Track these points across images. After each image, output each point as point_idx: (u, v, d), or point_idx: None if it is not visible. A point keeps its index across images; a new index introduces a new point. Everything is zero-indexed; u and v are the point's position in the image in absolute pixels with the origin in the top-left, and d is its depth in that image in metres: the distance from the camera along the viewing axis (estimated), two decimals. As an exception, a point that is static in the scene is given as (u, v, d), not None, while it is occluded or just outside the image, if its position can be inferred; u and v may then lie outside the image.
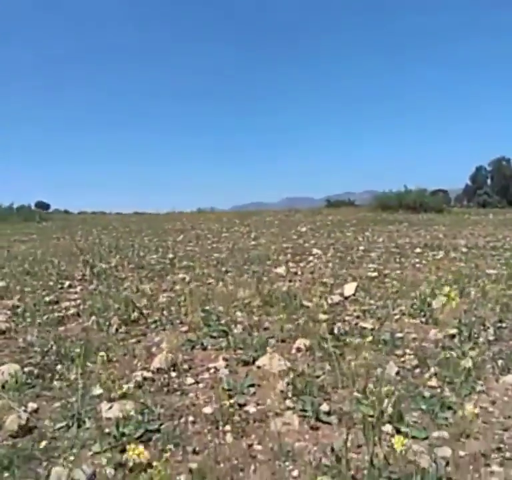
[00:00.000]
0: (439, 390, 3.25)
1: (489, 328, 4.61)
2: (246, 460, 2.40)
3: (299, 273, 7.10)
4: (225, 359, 3.57)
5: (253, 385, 3.15)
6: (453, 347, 4.09)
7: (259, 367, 3.50)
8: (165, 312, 4.81)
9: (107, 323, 4.41)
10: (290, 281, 6.50)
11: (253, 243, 9.85)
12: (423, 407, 3.03)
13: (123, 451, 2.41)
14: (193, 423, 2.73)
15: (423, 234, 12.56)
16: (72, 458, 2.29)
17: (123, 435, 2.56)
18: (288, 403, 2.94)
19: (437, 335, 4.48)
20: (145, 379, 3.27)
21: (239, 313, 4.81)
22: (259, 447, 2.51)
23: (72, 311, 4.89)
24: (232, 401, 2.86)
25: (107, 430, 2.59)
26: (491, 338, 4.32)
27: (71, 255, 8.00)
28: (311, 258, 8.29)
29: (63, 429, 2.64)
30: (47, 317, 4.53)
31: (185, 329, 4.33)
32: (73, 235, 10.09)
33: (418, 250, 9.68)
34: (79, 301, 5.29)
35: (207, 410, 2.83)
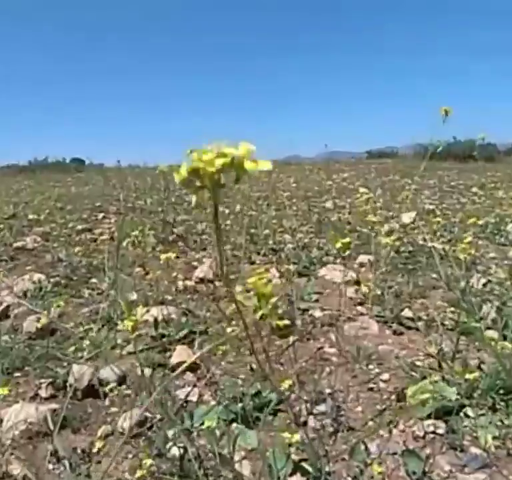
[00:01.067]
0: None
1: None
2: (316, 362, 1.88)
3: (348, 206, 6.45)
4: (279, 270, 3.04)
5: (315, 293, 2.62)
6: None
7: (319, 278, 2.96)
8: (205, 236, 4.32)
9: (143, 243, 3.95)
10: (339, 213, 5.88)
11: (293, 185, 9.19)
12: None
13: (163, 351, 1.94)
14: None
15: (476, 178, 11.55)
16: (99, 357, 1.85)
17: (163, 336, 2.08)
18: (360, 309, 2.40)
19: (519, 255, 3.83)
20: (186, 288, 2.79)
21: (287, 236, 4.26)
22: (331, 350, 1.98)
23: (105, 236, 4.46)
24: (292, 306, 2.34)
25: (143, 331, 2.12)
26: None
27: (106, 195, 7.61)
28: (358, 195, 7.60)
29: (91, 331, 2.19)
30: (79, 239, 4.12)
31: (228, 247, 3.82)
32: (108, 181, 9.70)
33: (474, 189, 8.81)
34: (113, 229, 4.86)
35: (260, 315, 2.31)
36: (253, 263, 3.33)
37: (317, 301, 2.52)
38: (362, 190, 8.93)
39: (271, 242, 3.88)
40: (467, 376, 1.51)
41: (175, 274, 3.15)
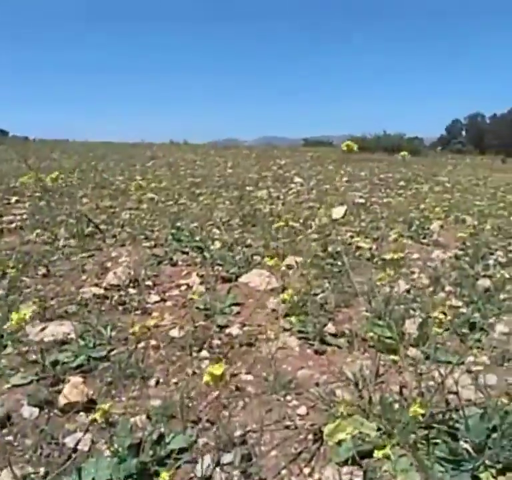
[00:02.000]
0: (462, 310, 2.61)
1: (496, 250, 4.00)
2: (231, 394, 1.68)
3: (281, 197, 6.29)
4: (200, 275, 2.79)
5: (236, 304, 2.40)
6: (463, 267, 3.46)
7: (243, 285, 2.75)
8: (126, 228, 3.95)
9: (54, 236, 3.53)
10: (272, 204, 5.69)
11: (229, 171, 8.89)
12: (449, 326, 2.37)
13: (54, 384, 1.65)
14: (156, 348, 1.97)
15: (403, 171, 11.88)
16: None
17: (56, 363, 1.77)
18: (283, 323, 2.21)
19: (441, 256, 3.85)
20: (95, 295, 2.47)
21: (216, 230, 4.00)
22: (248, 377, 1.78)
23: (14, 224, 3.97)
24: (210, 321, 2.12)
25: (33, 356, 1.80)
26: (503, 260, 3.71)
27: (23, 174, 6.89)
28: (292, 185, 7.48)
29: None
30: (-20, 229, 3.61)
31: (150, 244, 3.50)
32: (27, 157, 8.86)
33: (402, 183, 9.02)
34: (25, 216, 4.35)
35: (176, 333, 2.07)
36: (174, 264, 3.05)
37: (238, 313, 2.31)
38: (297, 179, 8.82)
39: (197, 238, 3.61)
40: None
41: (84, 277, 2.81)
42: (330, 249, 3.64)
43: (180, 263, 3.06)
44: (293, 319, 2.21)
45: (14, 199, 5.13)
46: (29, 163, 7.42)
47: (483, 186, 9.95)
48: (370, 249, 3.82)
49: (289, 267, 3.20)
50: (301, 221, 4.73)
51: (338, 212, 5.25)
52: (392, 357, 1.80)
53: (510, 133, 38.68)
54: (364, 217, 5.34)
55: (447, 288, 3.00)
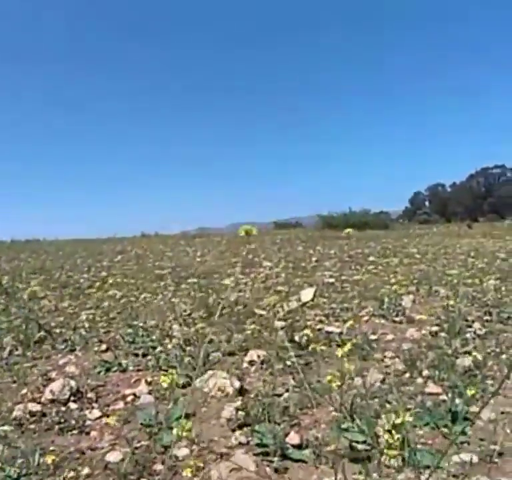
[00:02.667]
0: (442, 397, 2.37)
1: (473, 322, 3.83)
2: None
3: (250, 283, 6.13)
4: (149, 383, 2.50)
5: (186, 416, 2.10)
6: (439, 345, 3.26)
7: (197, 390, 2.46)
8: (81, 330, 3.67)
9: (1, 345, 3.23)
10: (240, 291, 5.51)
11: (198, 259, 8.79)
12: (429, 420, 2.11)
13: None
14: (88, 476, 1.65)
15: (373, 245, 12.02)
16: None
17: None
18: (238, 436, 1.93)
19: (416, 335, 3.65)
20: (31, 413, 2.15)
21: (175, 326, 3.75)
22: (193, 515, 1.47)
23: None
24: (154, 440, 1.83)
25: None
26: (481, 332, 3.53)
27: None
28: (261, 269, 7.36)
29: None
30: None
31: (102, 348, 3.22)
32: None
33: (371, 258, 9.04)
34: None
35: (113, 457, 1.76)
36: (124, 370, 2.76)
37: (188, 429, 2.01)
38: (265, 263, 8.70)
39: (154, 336, 3.35)
40: None
41: (24, 391, 2.49)
42: (297, 338, 3.41)
43: (130, 368, 2.77)
44: (249, 429, 1.93)
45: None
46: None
47: (452, 253, 10.05)
48: (340, 333, 3.61)
49: (252, 363, 2.94)
50: (268, 307, 4.54)
51: (306, 294, 5.07)
52: (360, 477, 1.53)
53: (471, 199, 40.80)
54: (334, 297, 5.18)
55: (425, 372, 2.77)
